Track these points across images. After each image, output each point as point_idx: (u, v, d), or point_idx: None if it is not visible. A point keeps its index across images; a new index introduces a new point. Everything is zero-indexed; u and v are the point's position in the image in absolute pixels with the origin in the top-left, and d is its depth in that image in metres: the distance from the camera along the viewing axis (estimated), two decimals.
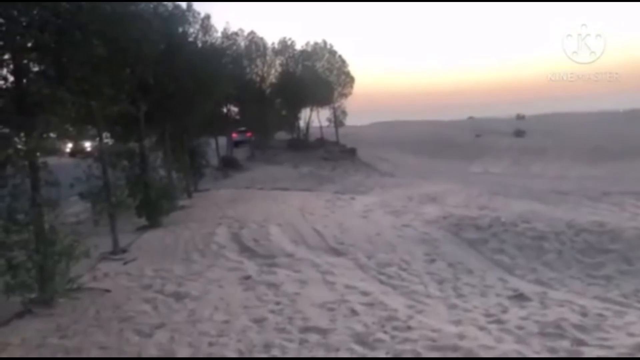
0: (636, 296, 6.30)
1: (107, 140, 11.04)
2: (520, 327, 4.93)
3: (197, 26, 15.62)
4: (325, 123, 41.60)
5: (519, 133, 51.28)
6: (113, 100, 7.65)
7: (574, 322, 4.98)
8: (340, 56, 39.37)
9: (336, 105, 40.21)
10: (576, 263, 7.91)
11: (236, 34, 32.49)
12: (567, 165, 35.85)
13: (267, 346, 4.61)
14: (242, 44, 33.34)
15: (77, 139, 9.50)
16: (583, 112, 63.28)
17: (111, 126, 11.12)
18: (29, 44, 6.02)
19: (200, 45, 15.76)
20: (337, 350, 4.45)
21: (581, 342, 4.46)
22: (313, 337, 4.78)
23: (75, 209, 11.74)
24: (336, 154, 35.43)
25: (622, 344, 4.35)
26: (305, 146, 37.94)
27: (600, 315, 5.29)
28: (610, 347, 4.29)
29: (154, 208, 11.65)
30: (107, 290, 6.76)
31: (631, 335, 4.60)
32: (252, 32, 34.10)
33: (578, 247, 8.44)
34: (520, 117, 68.49)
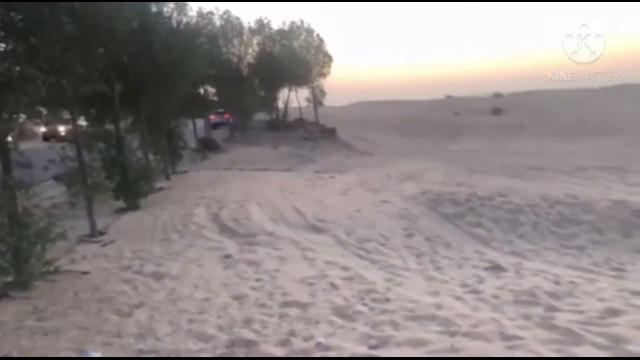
0: (607, 264, 6.50)
1: (82, 122, 10.84)
2: (495, 296, 5.06)
3: (171, 5, 15.29)
4: (304, 103, 41.40)
5: (496, 111, 51.86)
6: (85, 79, 7.48)
7: (548, 290, 5.13)
8: (318, 35, 39.05)
9: (314, 84, 39.97)
10: (550, 234, 8.11)
11: (211, 13, 31.95)
12: (543, 142, 36.46)
13: (247, 321, 4.63)
14: (218, 23, 32.79)
15: (49, 120, 9.29)
16: (559, 90, 63.92)
17: (85, 108, 10.90)
18: None
19: (175, 24, 15.44)
20: (317, 322, 4.50)
21: (554, 309, 4.60)
22: (293, 311, 4.83)
23: (51, 192, 11.51)
24: (316, 134, 35.36)
25: (593, 308, 4.50)
26: (284, 126, 37.77)
27: (573, 282, 5.46)
28: (581, 312, 4.43)
29: (131, 190, 11.52)
30: (85, 272, 6.69)
31: (601, 300, 4.75)
32: (227, 11, 33.56)
33: (552, 219, 8.64)
34: (497, 95, 69.02)
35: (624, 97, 50.16)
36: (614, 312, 4.37)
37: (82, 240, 8.63)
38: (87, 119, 11.78)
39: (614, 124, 38.28)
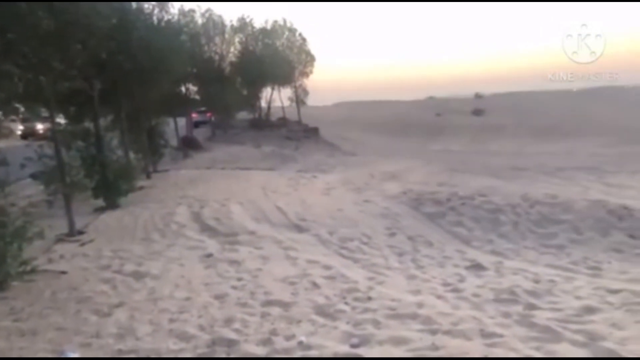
0: (584, 263, 6.58)
1: (61, 120, 10.67)
2: (476, 295, 5.10)
3: (153, 2, 15.09)
4: (287, 102, 41.33)
5: (478, 112, 52.36)
6: (64, 76, 7.34)
7: (527, 289, 5.19)
8: (300, 34, 38.94)
9: (297, 84, 39.91)
10: (530, 234, 8.19)
11: (193, 10, 31.65)
12: (523, 142, 36.94)
13: (229, 321, 4.61)
14: (199, 21, 32.51)
15: (27, 118, 9.12)
16: (538, 91, 64.98)
17: (64, 105, 10.73)
18: None
19: (156, 21, 15.25)
20: (299, 322, 4.50)
21: (533, 307, 4.66)
22: (275, 311, 4.81)
23: (28, 191, 11.31)
24: (299, 134, 35.27)
25: (570, 306, 4.57)
26: (267, 126, 37.64)
27: (551, 281, 5.53)
28: (559, 310, 4.50)
29: (111, 189, 11.36)
30: (63, 272, 6.58)
31: (578, 298, 4.83)
32: (209, 9, 33.31)
33: (532, 219, 8.73)
34: (478, 96, 69.78)
35: (601, 100, 51.15)
36: (590, 310, 4.45)
37: (60, 239, 8.49)
38: (65, 117, 11.60)
39: (592, 126, 38.99)
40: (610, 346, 3.65)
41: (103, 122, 12.46)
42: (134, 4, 13.00)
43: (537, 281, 5.55)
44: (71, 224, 8.94)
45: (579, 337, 3.81)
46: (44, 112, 9.09)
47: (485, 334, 3.96)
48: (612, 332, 3.92)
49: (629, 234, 7.78)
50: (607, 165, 18.95)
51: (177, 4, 30.00)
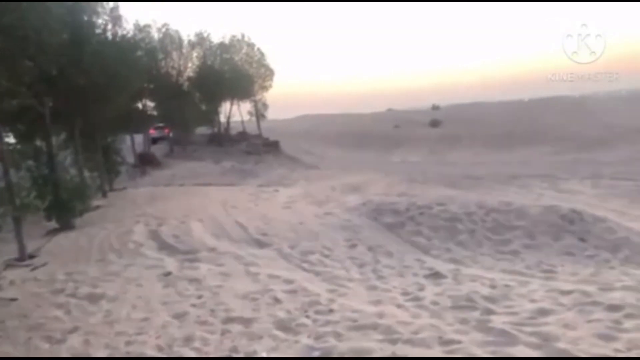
0: (538, 267, 6.79)
1: (9, 139, 10.31)
2: (435, 303, 5.18)
3: (106, 17, 14.81)
4: (246, 117, 41.16)
5: (435, 123, 53.47)
6: (11, 93, 7.09)
7: (484, 294, 5.30)
8: (259, 49, 38.94)
9: (257, 98, 39.85)
10: (486, 241, 8.36)
11: (149, 26, 31.22)
12: (479, 152, 37.97)
13: (188, 339, 4.53)
14: (156, 36, 32.12)
15: None
16: (492, 102, 67.10)
17: (13, 124, 10.38)
18: None
19: (110, 36, 14.97)
20: (260, 337, 4.45)
21: (490, 312, 4.76)
22: (235, 327, 4.75)
23: None
24: (259, 148, 35.14)
25: (525, 309, 4.70)
26: (227, 140, 37.36)
27: (507, 286, 5.68)
28: (515, 314, 4.61)
29: (65, 209, 11.01)
30: (13, 299, 6.33)
31: (533, 301, 4.97)
32: (165, 24, 32.93)
33: (488, 226, 8.92)
34: (435, 108, 71.26)
35: (554, 109, 53.03)
36: (544, 312, 4.58)
37: (10, 264, 8.17)
38: (15, 136, 11.22)
39: (542, 134, 40.44)
40: (563, 346, 3.76)
41: (56, 140, 12.10)
42: (85, 17, 12.68)
43: (493, 287, 5.68)
44: (22, 248, 8.60)
45: (533, 339, 3.92)
46: None
47: (443, 341, 4.02)
48: (565, 332, 4.04)
49: (579, 237, 8.07)
50: (559, 173, 19.69)
51: (131, 19, 29.73)
